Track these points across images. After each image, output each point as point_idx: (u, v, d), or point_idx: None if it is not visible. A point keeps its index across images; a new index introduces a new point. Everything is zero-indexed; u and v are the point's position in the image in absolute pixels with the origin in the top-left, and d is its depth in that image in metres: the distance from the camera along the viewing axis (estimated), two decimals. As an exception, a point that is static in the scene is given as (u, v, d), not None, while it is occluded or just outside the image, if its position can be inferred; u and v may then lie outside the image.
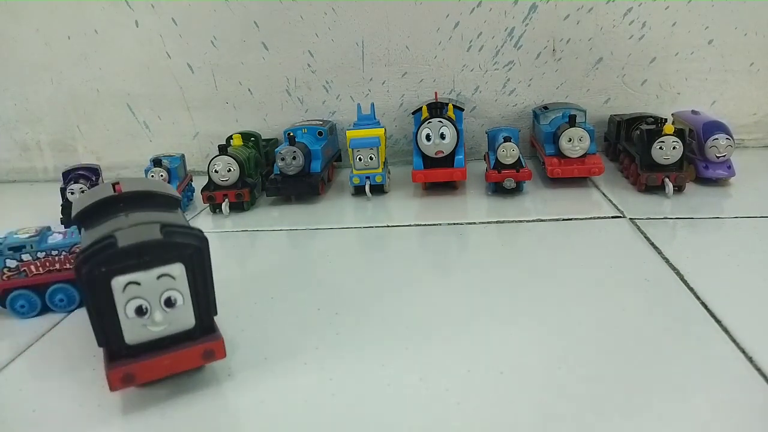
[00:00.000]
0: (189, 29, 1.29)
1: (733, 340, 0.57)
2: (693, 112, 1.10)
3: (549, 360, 0.56)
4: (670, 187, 0.97)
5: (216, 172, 1.06)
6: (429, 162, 1.07)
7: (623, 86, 1.25)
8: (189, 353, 0.54)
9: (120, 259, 0.49)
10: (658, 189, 1.00)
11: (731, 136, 1.01)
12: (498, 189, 1.05)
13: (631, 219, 0.90)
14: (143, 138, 1.40)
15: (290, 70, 1.29)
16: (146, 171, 1.09)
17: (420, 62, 1.26)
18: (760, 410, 0.48)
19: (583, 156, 1.05)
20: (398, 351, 0.60)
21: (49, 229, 0.76)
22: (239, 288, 0.77)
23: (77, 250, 0.69)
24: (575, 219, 0.93)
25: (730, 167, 1.02)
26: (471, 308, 0.67)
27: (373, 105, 1.20)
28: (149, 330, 0.52)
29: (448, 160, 1.07)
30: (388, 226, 0.96)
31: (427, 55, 1.25)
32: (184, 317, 0.54)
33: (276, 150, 1.10)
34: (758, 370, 0.53)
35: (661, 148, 0.98)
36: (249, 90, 1.32)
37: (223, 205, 1.07)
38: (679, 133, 0.98)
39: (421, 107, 1.07)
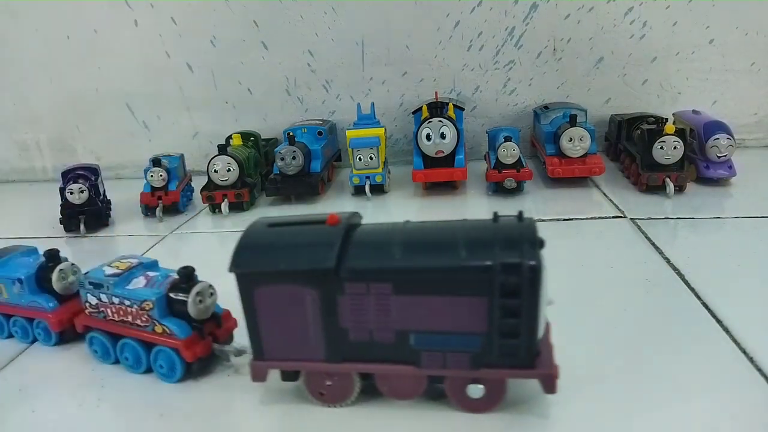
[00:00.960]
0: (188, 29, 1.29)
1: (734, 341, 0.57)
2: (694, 111, 1.10)
3: (550, 360, 0.56)
4: (671, 186, 0.97)
5: (215, 171, 1.06)
6: (429, 162, 1.07)
7: (624, 86, 1.25)
8: None
9: None
10: (659, 189, 0.99)
11: (732, 136, 1.00)
12: (498, 189, 1.05)
13: (631, 219, 0.90)
14: (142, 138, 1.39)
15: (290, 70, 1.29)
16: (145, 171, 1.08)
17: (420, 62, 1.26)
18: (761, 410, 0.48)
19: (584, 156, 1.04)
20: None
21: (144, 267, 0.62)
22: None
23: (147, 307, 0.57)
24: (576, 219, 0.93)
25: (731, 167, 1.01)
26: (471, 308, 0.67)
27: (373, 105, 1.20)
28: None
29: (448, 160, 1.06)
30: (388, 226, 0.96)
31: (428, 55, 1.25)
32: None
33: (275, 150, 1.09)
34: (759, 370, 0.53)
35: (662, 147, 0.97)
36: (248, 89, 1.32)
37: (223, 204, 1.06)
38: (680, 133, 0.98)
39: (422, 107, 1.07)
